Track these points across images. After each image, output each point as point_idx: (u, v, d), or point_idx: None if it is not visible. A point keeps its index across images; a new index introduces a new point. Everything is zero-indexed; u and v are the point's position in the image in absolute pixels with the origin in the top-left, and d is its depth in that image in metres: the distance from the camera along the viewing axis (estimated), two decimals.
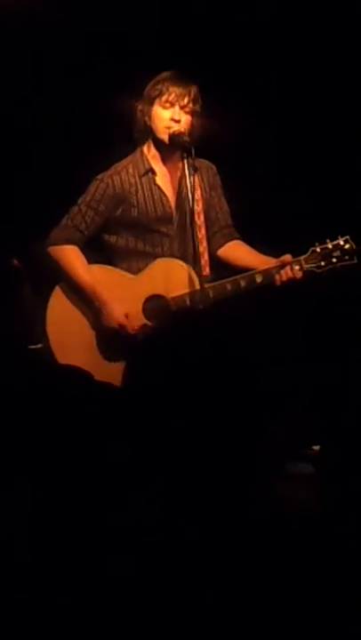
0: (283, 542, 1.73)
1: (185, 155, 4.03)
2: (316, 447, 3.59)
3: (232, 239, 4.30)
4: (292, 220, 4.68)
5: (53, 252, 4.14)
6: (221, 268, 4.21)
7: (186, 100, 4.04)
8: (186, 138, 4.02)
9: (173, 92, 4.04)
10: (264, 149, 4.82)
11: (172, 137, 4.05)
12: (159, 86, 4.06)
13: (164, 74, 4.10)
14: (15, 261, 2.46)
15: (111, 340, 4.09)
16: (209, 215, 4.22)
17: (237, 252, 4.27)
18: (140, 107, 4.11)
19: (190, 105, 4.06)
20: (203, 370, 1.78)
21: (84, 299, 4.14)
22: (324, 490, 1.89)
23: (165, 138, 4.07)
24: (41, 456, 2.07)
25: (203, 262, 4.11)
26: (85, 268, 4.13)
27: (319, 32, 4.80)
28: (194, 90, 4.06)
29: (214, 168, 4.25)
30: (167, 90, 4.04)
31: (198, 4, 4.77)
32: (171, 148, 4.11)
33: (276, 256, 4.11)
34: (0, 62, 4.56)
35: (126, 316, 4.08)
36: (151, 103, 4.07)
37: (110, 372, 3.76)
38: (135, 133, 4.17)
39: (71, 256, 4.13)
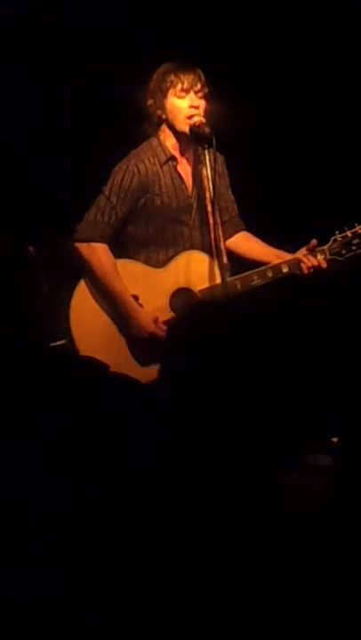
0: (294, 536, 1.71)
1: (206, 145, 3.99)
2: (335, 439, 3.60)
3: (240, 229, 4.31)
4: (297, 210, 4.72)
5: (84, 250, 4.06)
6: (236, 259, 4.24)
7: (199, 84, 4.03)
8: (207, 129, 3.98)
9: (186, 79, 4.01)
10: (269, 140, 4.78)
11: (194, 128, 4.01)
12: (169, 77, 4.03)
13: (167, 65, 4.08)
14: (30, 248, 2.43)
15: (142, 344, 4.06)
16: (218, 204, 4.15)
17: (248, 243, 4.28)
18: (150, 101, 4.07)
19: (204, 89, 4.04)
20: (232, 359, 1.75)
21: (110, 301, 4.08)
22: (340, 482, 1.87)
23: (187, 129, 4.03)
24: (58, 446, 2.07)
25: (221, 251, 4.07)
26: (116, 274, 4.05)
27: (326, 22, 4.78)
28: (201, 73, 4.05)
29: (222, 158, 4.20)
30: (179, 79, 4.01)
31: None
32: (189, 138, 4.07)
33: (283, 248, 4.17)
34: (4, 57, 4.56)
35: (155, 321, 4.05)
36: (164, 96, 4.04)
37: (144, 374, 3.76)
38: (148, 128, 4.12)
39: (103, 258, 4.06)
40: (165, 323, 4.05)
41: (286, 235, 4.21)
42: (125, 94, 4.15)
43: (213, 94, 4.08)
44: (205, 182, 4.10)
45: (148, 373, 3.88)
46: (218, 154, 4.14)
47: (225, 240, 4.22)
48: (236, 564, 1.66)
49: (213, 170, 3.97)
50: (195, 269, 4.11)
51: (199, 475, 1.72)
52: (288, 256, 4.16)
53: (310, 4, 4.76)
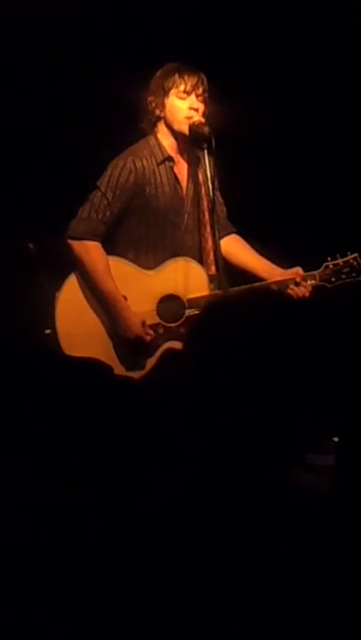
0: (296, 534, 1.72)
1: (205, 145, 4.01)
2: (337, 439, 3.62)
3: (230, 232, 4.30)
4: (293, 216, 4.76)
5: (76, 247, 4.03)
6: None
7: (201, 88, 4.04)
8: (206, 129, 3.99)
9: (189, 81, 4.02)
10: (267, 145, 4.81)
11: (193, 128, 4.02)
12: (172, 77, 4.04)
13: (171, 64, 4.09)
14: (30, 245, 2.45)
15: (127, 346, 4.07)
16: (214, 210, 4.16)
17: (238, 249, 4.28)
18: (151, 98, 4.07)
19: (205, 93, 4.05)
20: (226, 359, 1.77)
21: (99, 299, 4.06)
22: (342, 481, 1.88)
23: (185, 129, 4.04)
24: (59, 444, 2.07)
25: (209, 261, 4.10)
26: (108, 273, 4.04)
27: (331, 25, 4.82)
28: (204, 77, 4.06)
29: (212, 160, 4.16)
30: (183, 79, 4.02)
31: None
32: (186, 139, 4.08)
33: (271, 259, 4.18)
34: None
35: (143, 324, 4.05)
36: (165, 95, 4.04)
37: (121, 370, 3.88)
38: (144, 124, 4.12)
39: (96, 257, 4.04)
40: (151, 327, 4.06)
41: (280, 241, 4.25)
42: (124, 92, 4.15)
43: (213, 97, 4.09)
44: (201, 185, 4.12)
45: (131, 375, 3.92)
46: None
47: None
48: (239, 564, 1.68)
49: (214, 170, 3.98)
50: (185, 277, 4.11)
51: (206, 472, 1.74)
52: (276, 271, 4.16)
53: (315, 6, 4.79)
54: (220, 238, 4.23)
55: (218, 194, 4.23)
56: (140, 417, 2.05)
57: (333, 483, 1.90)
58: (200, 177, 4.14)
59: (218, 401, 1.75)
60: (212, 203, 4.02)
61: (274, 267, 4.19)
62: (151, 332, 4.06)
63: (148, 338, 4.04)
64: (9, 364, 2.24)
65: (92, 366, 2.39)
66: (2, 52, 4.52)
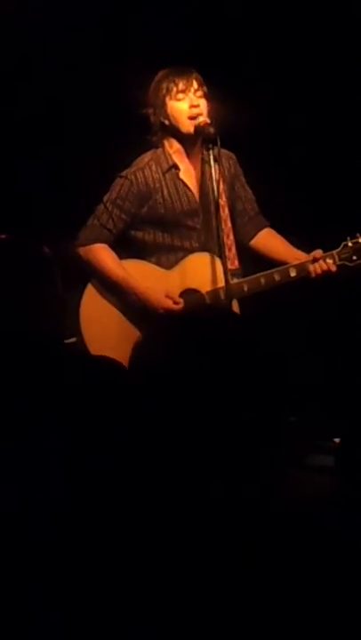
0: (296, 535, 1.75)
1: (210, 145, 4.03)
2: (337, 440, 3.61)
3: (263, 227, 4.31)
4: (308, 211, 4.73)
5: (83, 253, 4.11)
6: (255, 259, 4.23)
7: (195, 84, 4.05)
8: (212, 129, 4.01)
9: (180, 81, 4.05)
10: (280, 140, 4.82)
11: (198, 128, 4.03)
12: (164, 84, 4.06)
13: (161, 73, 4.11)
14: (46, 249, 2.49)
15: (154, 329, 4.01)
16: (235, 206, 4.20)
17: (270, 242, 4.28)
18: (151, 110, 4.10)
19: (201, 88, 4.06)
20: (226, 360, 1.80)
21: (118, 293, 4.10)
22: (343, 482, 1.92)
23: (191, 129, 4.05)
24: (76, 445, 2.11)
25: (231, 255, 4.09)
26: (117, 263, 4.10)
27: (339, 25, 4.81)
28: (196, 74, 4.08)
29: (234, 157, 4.23)
30: (173, 82, 4.05)
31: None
32: (195, 141, 4.10)
33: (304, 249, 4.17)
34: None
35: (167, 295, 4.07)
36: (163, 102, 4.07)
37: None
38: (152, 136, 4.14)
39: (102, 254, 4.10)
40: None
41: (298, 236, 4.23)
42: (132, 100, 4.18)
43: (218, 95, 4.10)
44: (217, 184, 4.11)
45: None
46: (230, 153, 4.20)
47: (247, 241, 4.26)
48: (239, 565, 1.71)
49: (218, 170, 3.99)
50: (203, 271, 4.14)
51: (200, 475, 1.77)
52: (305, 257, 4.15)
53: (321, 6, 4.79)
54: (253, 236, 4.27)
55: (247, 190, 4.26)
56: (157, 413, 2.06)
57: (333, 483, 1.93)
58: (214, 176, 4.13)
59: (213, 402, 1.78)
60: (216, 202, 4.02)
61: (305, 255, 4.18)
62: (179, 299, 4.08)
63: (178, 306, 4.06)
64: (27, 367, 2.27)
65: (106, 365, 2.40)
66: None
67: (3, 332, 2.35)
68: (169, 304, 4.06)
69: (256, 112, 4.42)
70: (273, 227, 4.32)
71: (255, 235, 4.29)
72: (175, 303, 4.07)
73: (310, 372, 4.38)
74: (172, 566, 1.73)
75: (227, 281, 4.00)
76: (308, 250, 4.19)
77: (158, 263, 4.16)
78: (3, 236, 2.53)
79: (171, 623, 1.70)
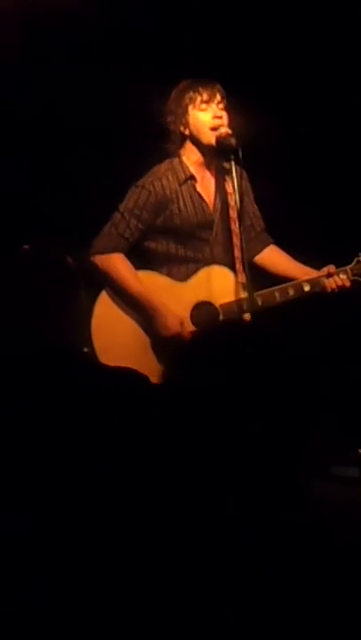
0: (320, 546, 1.75)
1: (232, 157, 4.01)
2: None
3: (268, 244, 4.32)
4: (322, 226, 4.74)
5: (100, 262, 4.07)
6: (258, 274, 4.24)
7: (218, 95, 4.05)
8: (233, 140, 4.00)
9: (205, 91, 4.03)
10: (294, 155, 4.83)
11: (220, 140, 4.02)
12: (188, 93, 4.05)
13: (185, 81, 4.10)
14: (70, 259, 2.50)
15: (166, 346, 4.06)
16: (243, 222, 4.16)
17: (276, 258, 4.29)
18: (171, 118, 4.08)
19: (224, 100, 4.06)
20: (250, 372, 1.81)
21: (133, 306, 4.08)
22: None
23: (212, 140, 4.04)
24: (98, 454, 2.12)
25: (241, 269, 4.10)
26: (135, 277, 4.08)
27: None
28: (219, 85, 4.07)
29: (244, 174, 4.18)
30: (198, 92, 4.04)
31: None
32: (214, 152, 4.09)
33: (309, 264, 4.19)
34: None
35: (181, 323, 4.06)
36: (185, 112, 4.05)
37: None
38: (169, 145, 4.13)
39: (120, 265, 4.07)
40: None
41: (311, 251, 4.24)
42: (156, 111, 4.16)
43: (237, 108, 4.10)
44: (229, 197, 4.13)
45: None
46: (240, 170, 4.14)
47: (253, 257, 4.26)
48: (260, 576, 1.69)
49: (239, 181, 3.97)
50: (217, 284, 4.13)
51: (224, 487, 1.76)
52: (314, 273, 4.17)
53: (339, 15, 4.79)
54: (259, 251, 4.27)
55: (255, 207, 4.25)
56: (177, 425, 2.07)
57: (359, 494, 1.94)
58: (228, 188, 4.15)
59: (240, 412, 1.79)
60: (239, 213, 4.02)
61: (314, 271, 4.20)
62: (190, 330, 4.05)
63: (188, 336, 4.03)
64: (49, 376, 2.27)
65: (127, 376, 2.41)
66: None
67: (27, 342, 2.36)
68: (181, 331, 4.05)
69: (269, 126, 4.42)
70: (282, 242, 4.34)
71: (261, 250, 4.30)
72: (187, 333, 4.04)
73: (332, 383, 4.39)
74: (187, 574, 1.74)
75: (250, 294, 4.00)
76: (316, 265, 4.21)
77: (169, 274, 4.14)
78: (26, 247, 2.54)
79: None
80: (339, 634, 1.69)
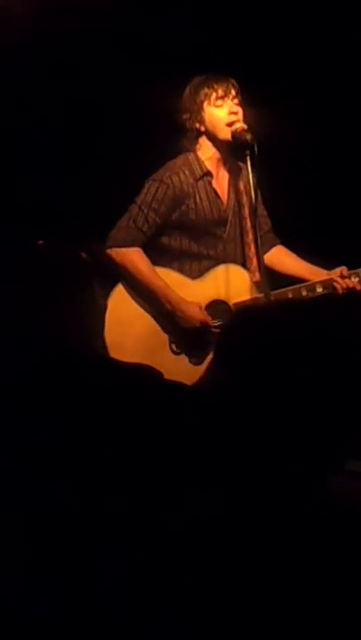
0: (335, 541, 1.75)
1: (247, 152, 3.99)
2: None
3: (275, 244, 4.32)
4: (334, 224, 4.75)
5: (117, 255, 4.05)
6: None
7: (233, 91, 4.05)
8: (249, 135, 3.98)
9: (220, 87, 4.03)
10: (308, 153, 4.81)
11: (236, 135, 4.01)
12: (203, 89, 4.05)
13: (198, 78, 4.09)
14: (83, 255, 2.50)
15: (189, 339, 4.08)
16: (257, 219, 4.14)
17: (283, 258, 4.29)
18: (186, 115, 4.08)
19: (238, 95, 4.06)
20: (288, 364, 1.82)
21: (151, 301, 4.07)
22: None
23: (228, 136, 4.03)
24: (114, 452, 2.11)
25: (253, 267, 4.11)
26: (153, 270, 4.05)
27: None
28: (233, 81, 4.07)
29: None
30: (213, 88, 4.03)
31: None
32: (230, 148, 4.09)
33: (319, 264, 4.20)
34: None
35: (202, 308, 4.06)
36: (201, 108, 4.05)
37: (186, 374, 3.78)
38: (184, 141, 4.12)
39: (138, 259, 4.05)
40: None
41: (321, 250, 4.24)
42: (165, 104, 4.17)
43: (250, 104, 4.10)
44: (243, 194, 4.13)
45: (195, 373, 3.85)
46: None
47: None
48: (275, 574, 1.70)
49: (255, 177, 3.94)
50: (231, 282, 4.14)
51: (244, 480, 1.76)
52: (323, 273, 4.17)
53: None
54: (266, 252, 4.24)
55: (262, 206, 4.22)
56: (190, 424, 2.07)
57: None
58: (242, 185, 4.16)
59: (255, 407, 1.79)
60: (255, 209, 4.01)
61: (322, 270, 4.20)
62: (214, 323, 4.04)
63: (212, 322, 4.04)
64: (63, 372, 2.27)
65: (141, 372, 2.40)
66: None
67: (41, 338, 2.36)
68: (205, 318, 4.06)
69: (281, 124, 4.42)
70: (290, 242, 4.35)
71: (268, 250, 4.29)
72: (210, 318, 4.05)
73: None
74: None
75: (266, 293, 3.98)
76: (325, 266, 4.21)
77: (181, 270, 4.14)
78: (40, 243, 2.54)
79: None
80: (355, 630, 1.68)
